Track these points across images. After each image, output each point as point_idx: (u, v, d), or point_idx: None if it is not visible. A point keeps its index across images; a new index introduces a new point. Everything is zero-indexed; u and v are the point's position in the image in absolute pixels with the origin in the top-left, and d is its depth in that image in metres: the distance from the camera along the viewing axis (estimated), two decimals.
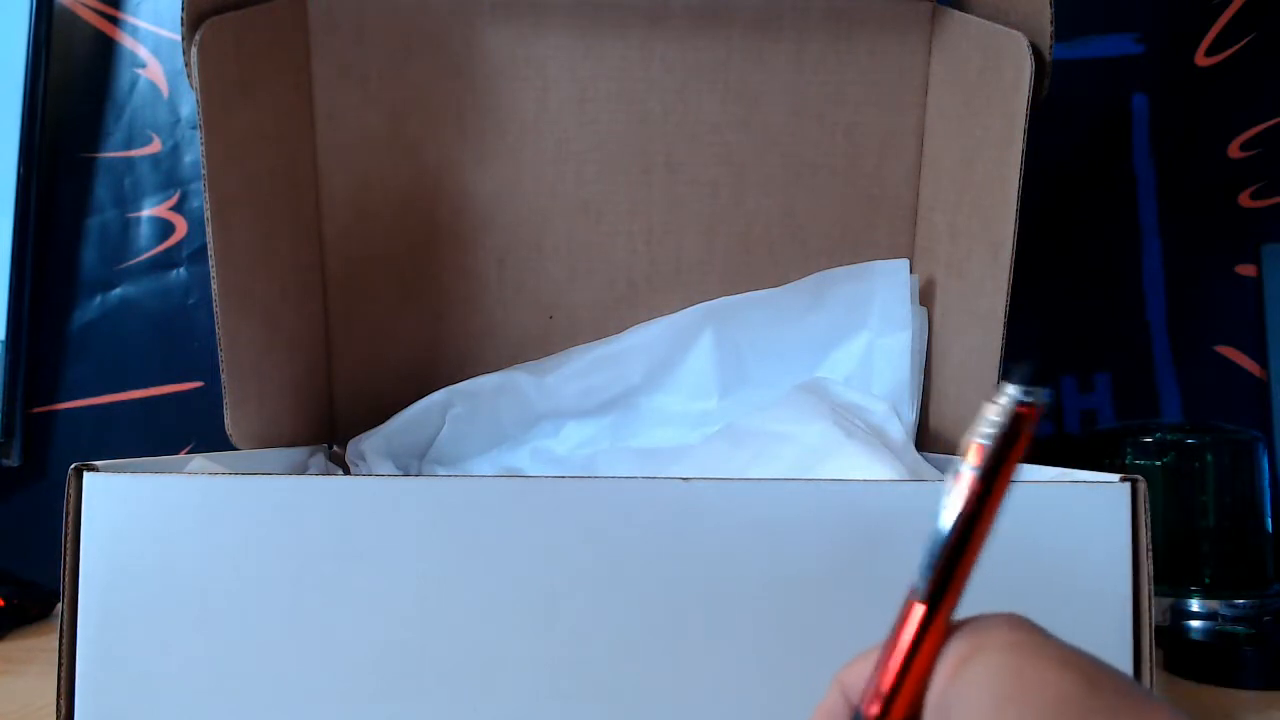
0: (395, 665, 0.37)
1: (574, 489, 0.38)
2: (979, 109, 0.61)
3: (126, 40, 0.81)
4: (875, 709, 0.24)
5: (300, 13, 0.64)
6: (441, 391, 0.66)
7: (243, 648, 0.37)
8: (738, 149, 0.68)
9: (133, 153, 0.81)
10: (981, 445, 0.24)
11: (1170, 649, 0.56)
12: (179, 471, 0.40)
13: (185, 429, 0.77)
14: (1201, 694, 0.52)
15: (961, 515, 0.24)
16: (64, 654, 0.37)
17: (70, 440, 0.78)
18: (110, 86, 0.81)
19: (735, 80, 0.67)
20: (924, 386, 0.64)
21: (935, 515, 0.25)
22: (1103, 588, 0.38)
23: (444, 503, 0.38)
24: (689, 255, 0.69)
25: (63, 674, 0.37)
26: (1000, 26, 0.58)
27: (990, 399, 0.24)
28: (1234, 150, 0.79)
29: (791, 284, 0.67)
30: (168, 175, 0.80)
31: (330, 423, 0.69)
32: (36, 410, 0.79)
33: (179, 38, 0.55)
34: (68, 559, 0.38)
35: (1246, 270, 0.79)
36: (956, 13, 0.64)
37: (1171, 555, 0.66)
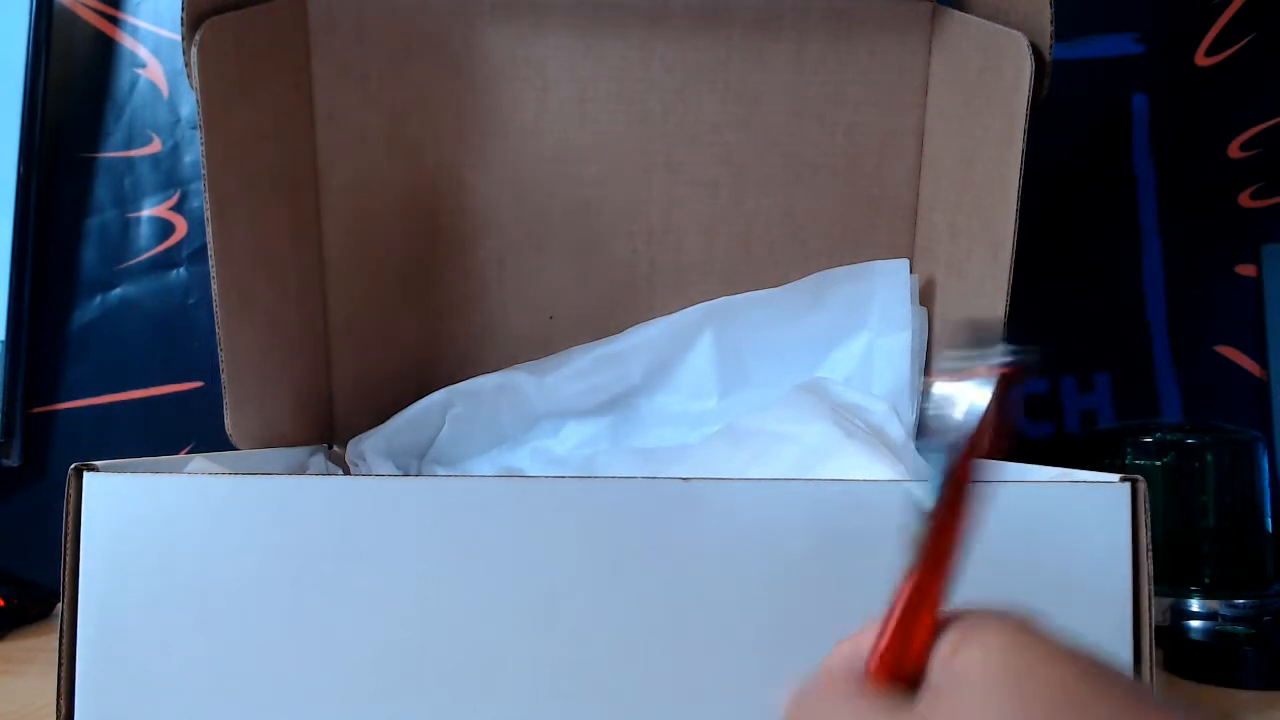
0: (395, 665, 0.37)
1: (574, 489, 0.38)
2: (979, 109, 0.61)
3: (126, 40, 0.81)
4: (874, 664, 0.25)
5: (300, 13, 0.64)
6: (441, 391, 0.66)
7: (243, 648, 0.37)
8: (738, 149, 0.68)
9: (133, 153, 0.80)
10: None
11: (1170, 649, 0.56)
12: (179, 471, 0.40)
13: (185, 429, 0.77)
14: (1201, 694, 0.52)
15: (946, 477, 0.24)
16: (64, 654, 0.37)
17: (70, 440, 0.78)
18: (110, 86, 0.81)
19: (735, 80, 0.67)
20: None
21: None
22: (1103, 587, 0.38)
23: (444, 503, 0.38)
24: (689, 255, 0.69)
25: (63, 674, 0.37)
26: (1000, 26, 0.58)
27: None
28: (1234, 150, 0.79)
29: (791, 284, 0.67)
30: (168, 175, 0.80)
31: (330, 423, 0.69)
32: (36, 410, 0.79)
33: (179, 38, 0.55)
34: (68, 559, 0.38)
35: (1246, 270, 0.79)
36: (956, 13, 0.64)
37: (1171, 555, 0.66)
